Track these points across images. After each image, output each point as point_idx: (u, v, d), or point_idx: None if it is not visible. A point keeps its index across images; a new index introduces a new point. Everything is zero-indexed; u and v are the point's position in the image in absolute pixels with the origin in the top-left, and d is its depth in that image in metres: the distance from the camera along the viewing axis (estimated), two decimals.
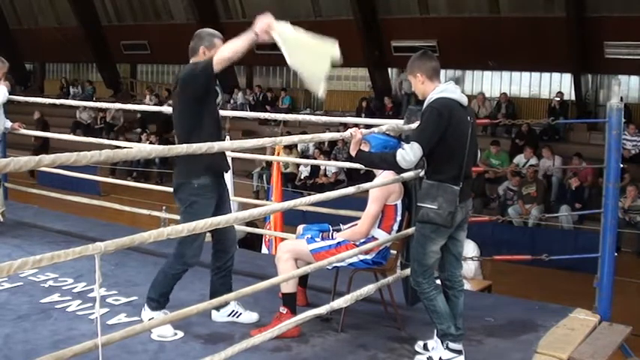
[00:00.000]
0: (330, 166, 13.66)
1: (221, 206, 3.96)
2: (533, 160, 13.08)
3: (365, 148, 4.02)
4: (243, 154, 6.74)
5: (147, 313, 3.89)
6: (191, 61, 3.87)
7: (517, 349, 3.86)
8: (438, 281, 3.73)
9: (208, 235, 4.10)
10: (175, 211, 4.35)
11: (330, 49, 3.52)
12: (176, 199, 3.95)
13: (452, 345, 3.55)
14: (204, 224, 2.92)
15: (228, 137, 6.44)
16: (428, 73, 3.56)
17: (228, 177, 7.53)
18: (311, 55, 3.52)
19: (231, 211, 4.17)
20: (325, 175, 14.29)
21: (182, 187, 3.88)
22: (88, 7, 21.59)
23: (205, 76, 3.68)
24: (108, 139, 14.98)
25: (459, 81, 16.67)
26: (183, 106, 3.86)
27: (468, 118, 3.54)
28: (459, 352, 3.56)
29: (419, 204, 3.56)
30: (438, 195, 3.45)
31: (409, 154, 3.39)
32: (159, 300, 3.91)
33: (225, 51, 3.60)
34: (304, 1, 17.91)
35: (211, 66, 3.61)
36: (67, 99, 14.27)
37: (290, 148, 14.27)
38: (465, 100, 3.55)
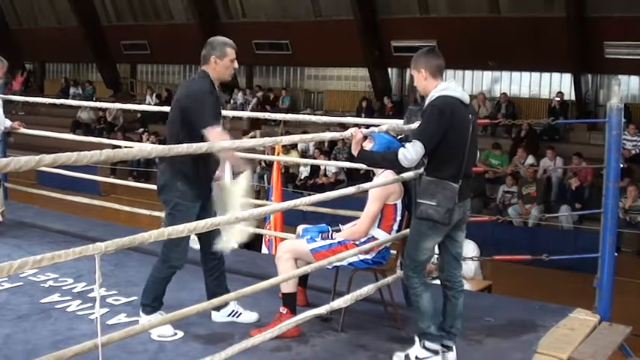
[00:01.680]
0: (330, 165, 13.66)
1: (206, 207, 3.95)
2: (530, 160, 13.09)
3: (369, 145, 4.01)
4: (243, 154, 6.73)
5: (143, 318, 3.90)
6: (202, 69, 3.88)
7: (517, 349, 3.86)
8: (437, 282, 3.72)
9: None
10: None
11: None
12: (160, 200, 3.96)
13: (428, 344, 3.53)
14: (204, 224, 2.92)
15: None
16: (432, 70, 3.56)
17: (227, 177, 7.56)
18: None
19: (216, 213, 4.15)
20: (325, 175, 14.29)
21: (166, 189, 3.88)
22: (88, 7, 21.57)
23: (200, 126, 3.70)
24: (109, 138, 14.99)
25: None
26: (179, 126, 3.83)
27: (470, 116, 3.54)
28: (434, 352, 3.54)
29: (418, 200, 3.54)
30: (437, 192, 3.44)
31: (410, 152, 3.39)
32: (152, 304, 3.92)
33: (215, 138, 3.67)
34: (304, 1, 17.90)
35: (204, 125, 3.67)
36: (67, 99, 14.25)
37: (288, 148, 14.25)
38: (466, 99, 3.54)
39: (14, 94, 21.79)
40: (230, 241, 3.80)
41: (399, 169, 3.73)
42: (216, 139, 3.67)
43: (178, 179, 3.82)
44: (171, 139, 3.86)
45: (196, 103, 3.75)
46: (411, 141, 3.47)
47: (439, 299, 3.71)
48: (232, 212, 3.57)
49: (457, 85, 3.57)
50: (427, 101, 3.52)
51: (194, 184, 3.86)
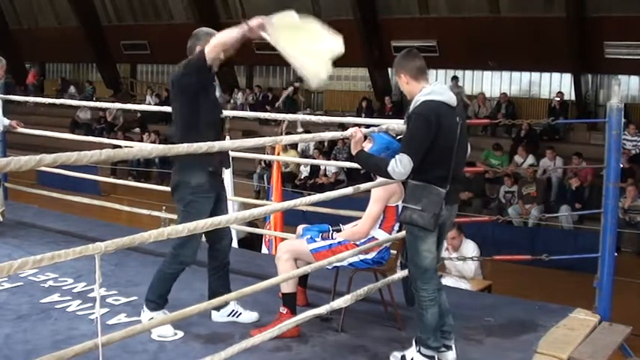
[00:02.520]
0: (331, 165, 13.66)
1: (219, 205, 3.96)
2: (530, 160, 13.09)
3: (368, 145, 3.99)
4: (244, 154, 6.74)
5: (146, 314, 3.89)
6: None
7: (517, 349, 3.86)
8: (443, 280, 3.68)
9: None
10: (175, 210, 4.35)
11: (332, 43, 3.53)
12: (174, 198, 3.96)
13: (424, 351, 3.50)
14: (204, 224, 2.92)
15: (228, 137, 6.41)
16: (412, 72, 3.45)
17: (227, 177, 7.57)
18: (309, 47, 3.55)
19: (228, 211, 4.17)
20: (325, 175, 14.28)
21: (180, 186, 3.89)
22: (88, 7, 21.60)
23: (198, 67, 3.70)
24: (109, 138, 15.00)
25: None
26: (181, 103, 3.86)
27: (457, 118, 3.43)
28: (430, 357, 3.51)
29: (403, 204, 3.50)
30: (423, 196, 3.36)
31: (399, 166, 3.29)
32: (157, 301, 3.91)
33: (216, 39, 3.65)
34: (304, 1, 17.90)
35: (204, 55, 3.65)
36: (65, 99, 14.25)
37: (287, 148, 14.25)
38: (453, 101, 3.43)
39: (27, 89, 21.99)
40: (319, 73, 3.56)
41: (389, 179, 3.57)
42: (224, 35, 3.62)
43: (191, 176, 3.81)
44: (175, 125, 3.90)
45: (187, 64, 3.76)
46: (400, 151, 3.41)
47: (449, 298, 3.70)
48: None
49: (443, 87, 3.47)
50: (412, 107, 3.42)
51: (206, 179, 3.84)
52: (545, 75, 16.20)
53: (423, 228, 3.38)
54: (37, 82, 23.42)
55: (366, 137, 3.89)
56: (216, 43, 3.63)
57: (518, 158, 13.36)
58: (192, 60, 3.74)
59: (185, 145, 2.85)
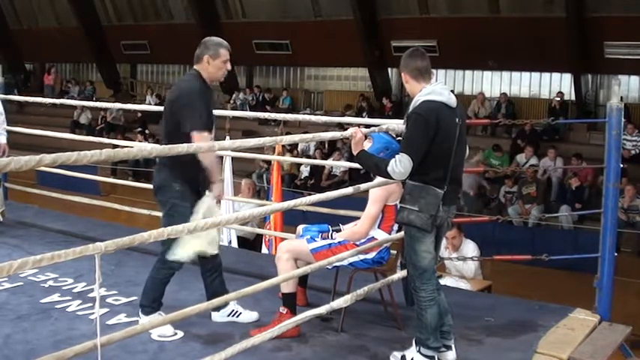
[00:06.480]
0: (334, 165, 13.66)
1: None
2: (534, 160, 13.09)
3: (367, 145, 3.99)
4: (244, 154, 6.74)
5: (142, 319, 3.89)
6: (195, 67, 3.89)
7: (517, 349, 3.86)
8: (442, 280, 3.68)
9: None
10: None
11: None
12: (156, 200, 3.95)
13: (424, 351, 3.50)
14: (204, 224, 2.92)
15: (228, 137, 6.42)
16: (412, 73, 3.47)
17: (227, 178, 7.57)
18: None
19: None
20: (330, 175, 14.18)
21: (162, 190, 3.88)
22: (88, 7, 21.59)
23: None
24: (109, 138, 14.98)
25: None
26: (173, 126, 3.84)
27: (457, 119, 3.43)
28: (430, 357, 3.51)
29: (400, 205, 3.50)
30: (421, 197, 3.37)
31: (398, 166, 3.30)
32: (152, 305, 3.92)
33: (207, 159, 3.71)
34: (304, 1, 17.91)
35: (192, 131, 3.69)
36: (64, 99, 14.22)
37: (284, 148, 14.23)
38: (453, 102, 3.43)
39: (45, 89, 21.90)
40: (187, 251, 3.71)
41: (389, 179, 3.58)
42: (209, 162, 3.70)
43: (175, 179, 3.81)
44: (166, 138, 3.85)
45: (186, 105, 3.74)
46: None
47: (449, 298, 3.69)
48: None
49: (443, 88, 3.46)
50: (411, 106, 3.43)
51: (192, 184, 3.85)
52: (545, 75, 16.19)
53: (421, 229, 3.38)
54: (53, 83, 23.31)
55: (366, 137, 3.89)
56: (204, 156, 3.71)
57: (521, 158, 13.35)
58: (193, 124, 3.73)
59: (185, 145, 2.85)
